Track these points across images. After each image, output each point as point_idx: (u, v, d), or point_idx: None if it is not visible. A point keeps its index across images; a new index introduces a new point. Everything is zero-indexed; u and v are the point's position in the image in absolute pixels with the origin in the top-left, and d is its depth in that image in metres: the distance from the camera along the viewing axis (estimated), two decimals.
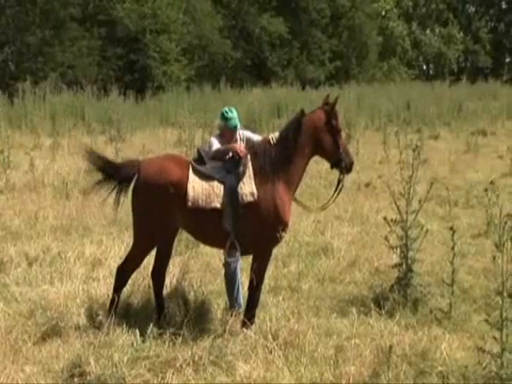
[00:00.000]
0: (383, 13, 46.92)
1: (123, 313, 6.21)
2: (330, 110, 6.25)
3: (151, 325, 5.75)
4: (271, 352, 5.55)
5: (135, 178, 6.05)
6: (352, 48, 42.08)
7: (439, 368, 5.31)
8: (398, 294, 6.67)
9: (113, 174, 6.13)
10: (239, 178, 5.98)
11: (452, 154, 16.35)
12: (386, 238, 6.87)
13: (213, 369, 5.32)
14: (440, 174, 13.74)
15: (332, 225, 9.65)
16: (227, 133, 6.47)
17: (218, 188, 5.94)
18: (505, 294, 5.04)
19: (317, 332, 5.97)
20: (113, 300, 6.03)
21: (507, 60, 55.27)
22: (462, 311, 6.53)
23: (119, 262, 6.49)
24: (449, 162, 15.44)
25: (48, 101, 23.06)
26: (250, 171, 6.01)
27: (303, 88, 31.17)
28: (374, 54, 43.47)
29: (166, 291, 6.57)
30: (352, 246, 8.71)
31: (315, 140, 6.15)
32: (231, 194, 5.91)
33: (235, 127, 6.45)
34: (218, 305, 6.68)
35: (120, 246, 8.28)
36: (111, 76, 29.82)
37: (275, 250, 8.37)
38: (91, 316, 6.08)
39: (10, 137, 14.58)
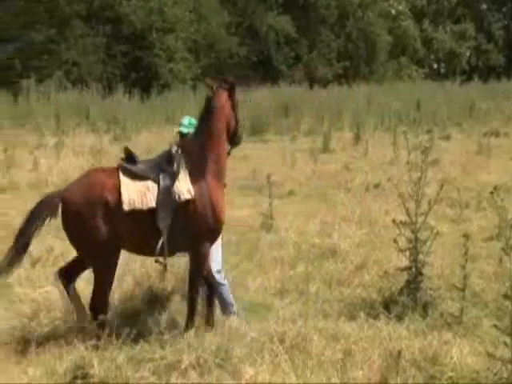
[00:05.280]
0: (393, 12, 46.61)
1: (126, 314, 6.13)
2: (230, 87, 6.20)
3: (155, 327, 5.67)
4: (277, 355, 5.45)
5: (61, 212, 5.75)
6: (361, 47, 41.87)
7: (449, 373, 5.19)
8: (407, 297, 6.54)
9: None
10: (174, 176, 5.88)
11: (463, 155, 16.17)
12: (395, 241, 6.76)
13: (218, 372, 5.22)
14: (451, 175, 13.53)
15: (339, 226, 9.55)
16: (179, 139, 6.44)
17: (152, 187, 5.82)
18: None
19: (324, 335, 5.85)
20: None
21: None
22: (473, 316, 6.41)
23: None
24: (460, 163, 15.24)
25: (52, 99, 23.01)
26: (184, 168, 5.94)
27: (311, 87, 31.06)
28: (384, 53, 43.26)
29: (170, 292, 6.49)
30: (360, 248, 8.58)
31: (227, 121, 6.18)
32: (167, 192, 5.80)
33: (181, 134, 6.39)
34: None
35: None
36: (116, 74, 29.78)
37: (281, 253, 8.41)
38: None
39: (14, 135, 14.55)
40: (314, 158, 15.11)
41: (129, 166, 5.88)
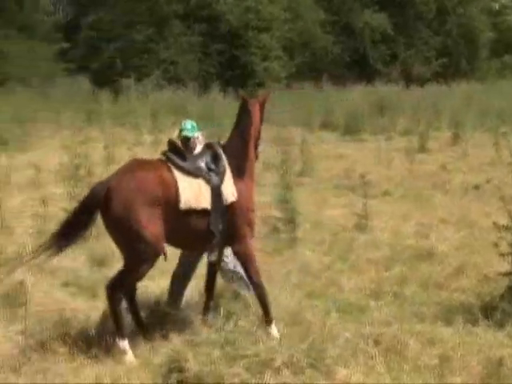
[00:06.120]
0: (496, 6, 44.91)
1: (218, 311, 6.18)
2: (263, 100, 6.41)
3: (251, 324, 5.69)
4: (372, 358, 5.38)
5: (105, 205, 5.46)
6: (461, 44, 40.63)
7: None
8: (508, 304, 6.28)
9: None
10: (221, 176, 5.81)
11: None
12: (495, 245, 6.51)
13: (311, 372, 5.17)
14: None
15: (437, 228, 9.30)
16: (182, 144, 6.24)
17: (204, 187, 5.70)
18: None
19: (420, 339, 5.73)
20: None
21: None
22: None
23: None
24: None
25: (150, 98, 23.57)
26: (228, 169, 5.89)
27: (408, 86, 30.45)
28: (486, 50, 41.83)
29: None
30: (458, 250, 8.33)
31: (257, 129, 6.24)
32: (217, 193, 5.72)
33: (185, 138, 6.18)
34: (317, 306, 6.53)
35: None
36: (212, 73, 30.19)
37: (376, 253, 8.27)
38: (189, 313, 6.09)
39: (114, 133, 14.98)
40: (410, 158, 14.78)
41: (179, 162, 5.74)
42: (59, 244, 5.56)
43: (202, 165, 5.79)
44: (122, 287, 5.59)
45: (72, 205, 7.92)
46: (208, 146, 6.06)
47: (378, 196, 11.59)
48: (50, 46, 31.54)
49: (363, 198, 9.57)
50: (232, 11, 31.07)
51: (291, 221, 8.88)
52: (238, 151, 6.03)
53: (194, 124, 6.23)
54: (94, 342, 5.64)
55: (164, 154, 5.86)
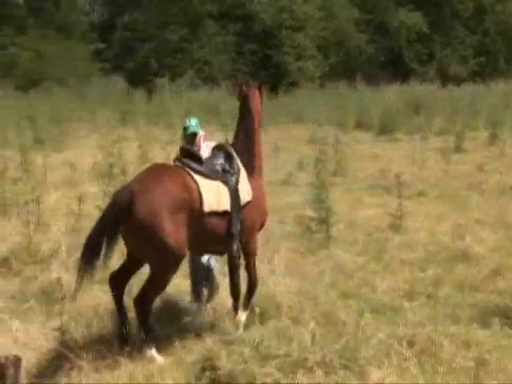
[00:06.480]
0: None
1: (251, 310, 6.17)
2: (259, 89, 6.34)
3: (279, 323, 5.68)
4: (406, 359, 5.32)
5: (128, 211, 5.21)
6: (500, 42, 39.97)
7: None
8: None
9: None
10: (237, 177, 5.79)
11: None
12: None
13: (344, 372, 5.14)
14: None
15: (473, 229, 9.16)
16: (188, 141, 6.31)
17: (223, 189, 5.67)
18: None
19: (455, 341, 5.65)
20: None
21: None
22: None
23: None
24: None
25: (184, 97, 23.67)
26: (242, 169, 5.86)
27: (444, 85, 30.11)
28: None
29: (296, 291, 6.48)
30: (495, 252, 8.17)
31: (260, 121, 6.25)
32: (235, 194, 5.71)
33: (192, 134, 6.28)
34: (350, 306, 6.49)
35: None
36: (245, 72, 30.25)
37: (410, 254, 8.18)
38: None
39: (148, 132, 15.07)
40: (446, 158, 14.61)
41: (197, 166, 5.71)
42: (91, 263, 5.25)
43: (218, 167, 5.80)
44: (151, 299, 5.49)
45: (106, 203, 8.02)
46: (219, 148, 6.04)
47: (413, 196, 11.46)
48: (87, 45, 31.93)
49: (398, 199, 9.47)
50: (266, 11, 31.08)
51: (325, 220, 8.84)
52: (247, 148, 6.02)
53: (198, 121, 6.37)
54: (128, 340, 5.67)
55: (178, 159, 5.84)
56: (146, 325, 5.43)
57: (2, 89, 24.04)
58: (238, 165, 5.87)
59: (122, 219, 5.22)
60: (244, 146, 6.03)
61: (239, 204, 5.72)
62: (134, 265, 5.64)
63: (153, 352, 5.40)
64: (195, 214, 5.42)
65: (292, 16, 31.77)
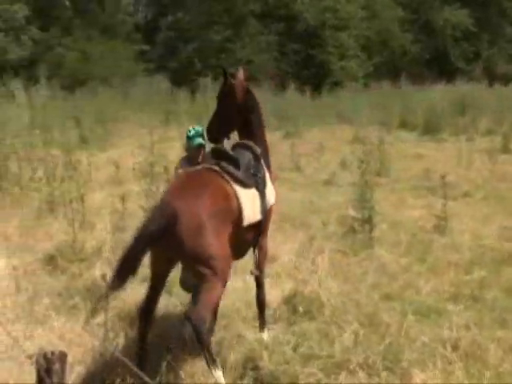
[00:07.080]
0: None
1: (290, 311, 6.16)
2: (245, 76, 5.87)
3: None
4: (450, 363, 5.23)
5: (171, 230, 4.66)
6: None
7: None
8: None
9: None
10: (264, 180, 5.42)
11: None
12: None
13: (387, 374, 5.09)
14: None
15: None
16: (193, 153, 6.08)
17: (256, 197, 5.28)
18: None
19: (502, 346, 5.54)
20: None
21: None
22: None
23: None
24: None
25: None
26: (266, 170, 5.56)
27: (490, 84, 29.58)
28: None
29: (339, 292, 6.43)
30: None
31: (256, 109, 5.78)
32: (264, 200, 5.35)
33: (199, 145, 6.02)
34: (394, 308, 6.41)
35: (293, 242, 8.30)
36: (288, 72, 30.22)
37: (456, 256, 8.05)
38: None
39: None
40: (493, 159, 14.33)
41: (235, 171, 5.20)
42: (124, 281, 4.73)
43: (251, 171, 5.35)
44: (209, 315, 4.84)
45: (149, 202, 8.10)
46: (245, 147, 5.55)
47: (458, 197, 11.28)
48: (131, 46, 32.31)
49: (443, 199, 9.33)
50: (309, 10, 31.00)
51: (368, 221, 8.76)
52: (259, 143, 5.64)
53: (202, 130, 6.02)
54: (170, 337, 5.70)
55: (215, 163, 5.27)
56: (209, 350, 4.70)
57: (49, 89, 24.43)
58: (263, 167, 5.53)
59: (163, 237, 4.69)
60: (256, 140, 5.61)
61: (266, 209, 5.41)
62: (158, 290, 5.18)
63: (219, 374, 4.71)
64: (235, 226, 5.04)
65: (335, 15, 31.63)
